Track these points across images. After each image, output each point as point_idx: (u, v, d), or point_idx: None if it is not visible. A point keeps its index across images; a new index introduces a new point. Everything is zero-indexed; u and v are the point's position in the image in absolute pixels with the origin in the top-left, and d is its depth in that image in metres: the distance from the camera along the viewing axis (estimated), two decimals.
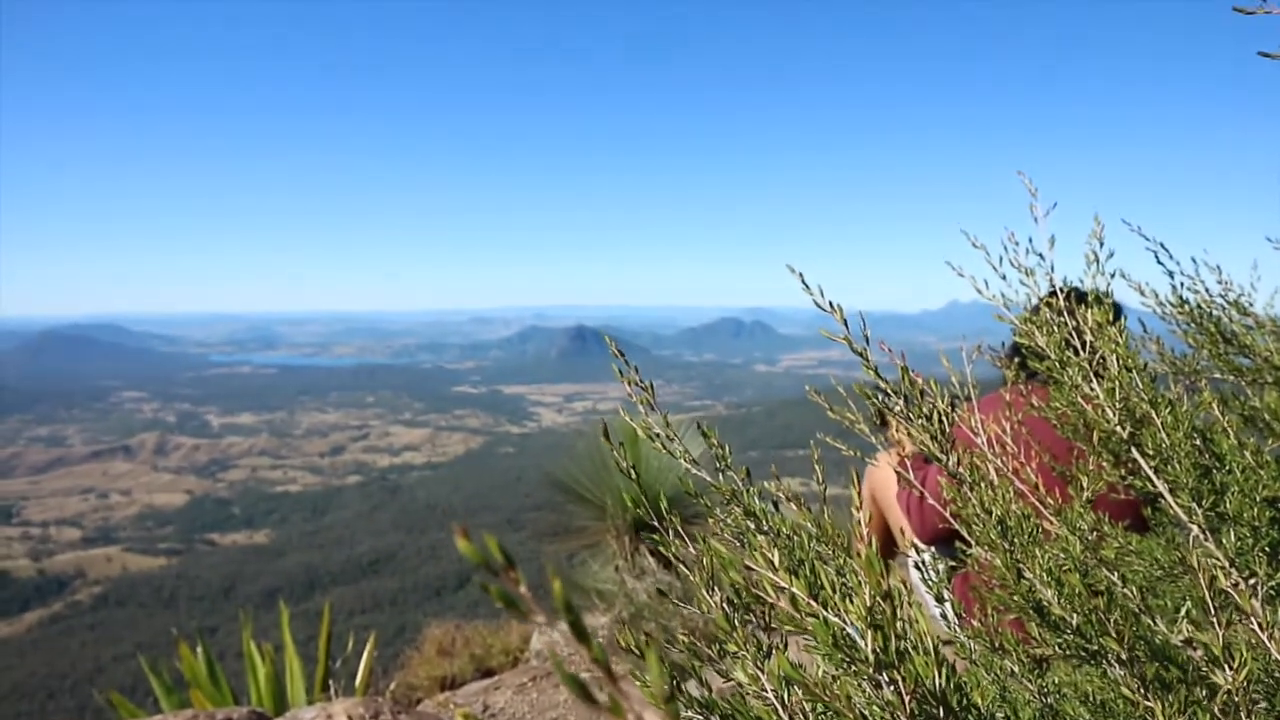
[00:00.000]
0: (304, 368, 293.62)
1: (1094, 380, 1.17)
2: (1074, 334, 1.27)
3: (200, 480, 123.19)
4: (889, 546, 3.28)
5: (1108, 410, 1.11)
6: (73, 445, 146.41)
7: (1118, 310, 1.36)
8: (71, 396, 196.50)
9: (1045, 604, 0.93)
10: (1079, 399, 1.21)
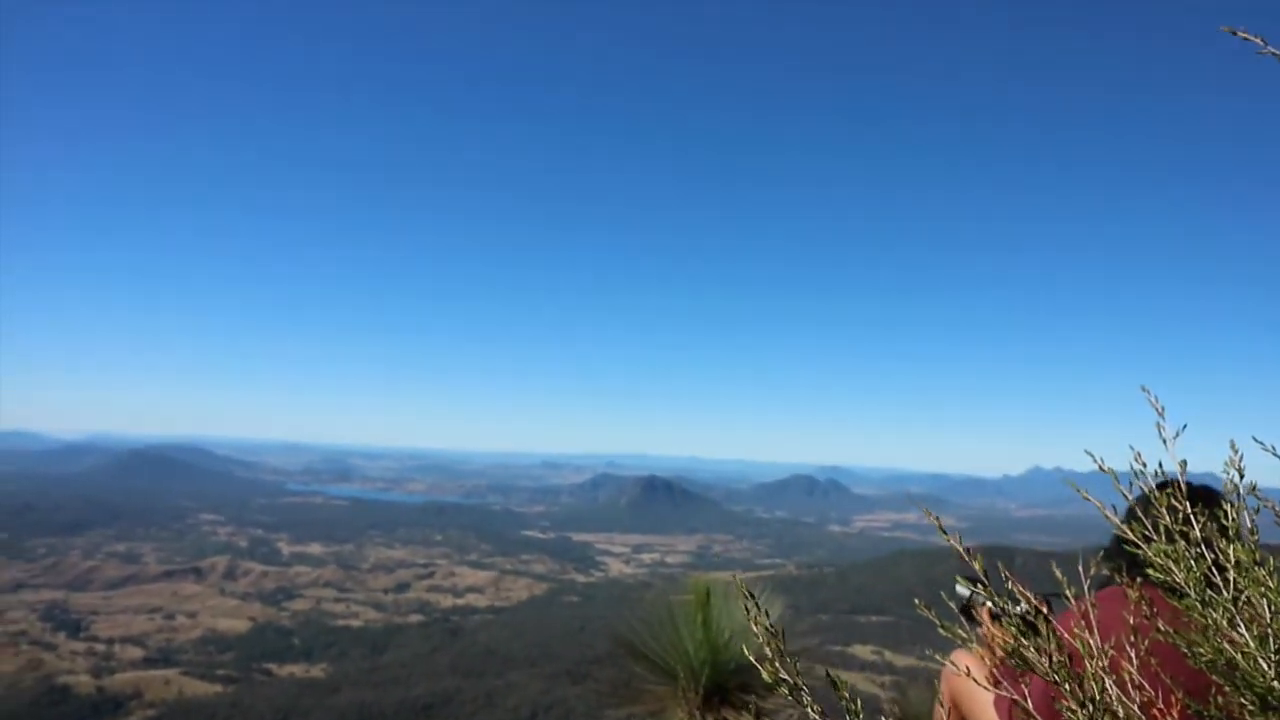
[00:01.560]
0: (376, 502, 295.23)
1: (1242, 627, 1.05)
2: (1212, 567, 1.12)
3: (265, 607, 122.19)
4: None
5: (1261, 662, 1.00)
6: (147, 563, 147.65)
7: (1214, 496, 1.24)
8: (151, 515, 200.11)
9: None
10: (1224, 644, 1.08)
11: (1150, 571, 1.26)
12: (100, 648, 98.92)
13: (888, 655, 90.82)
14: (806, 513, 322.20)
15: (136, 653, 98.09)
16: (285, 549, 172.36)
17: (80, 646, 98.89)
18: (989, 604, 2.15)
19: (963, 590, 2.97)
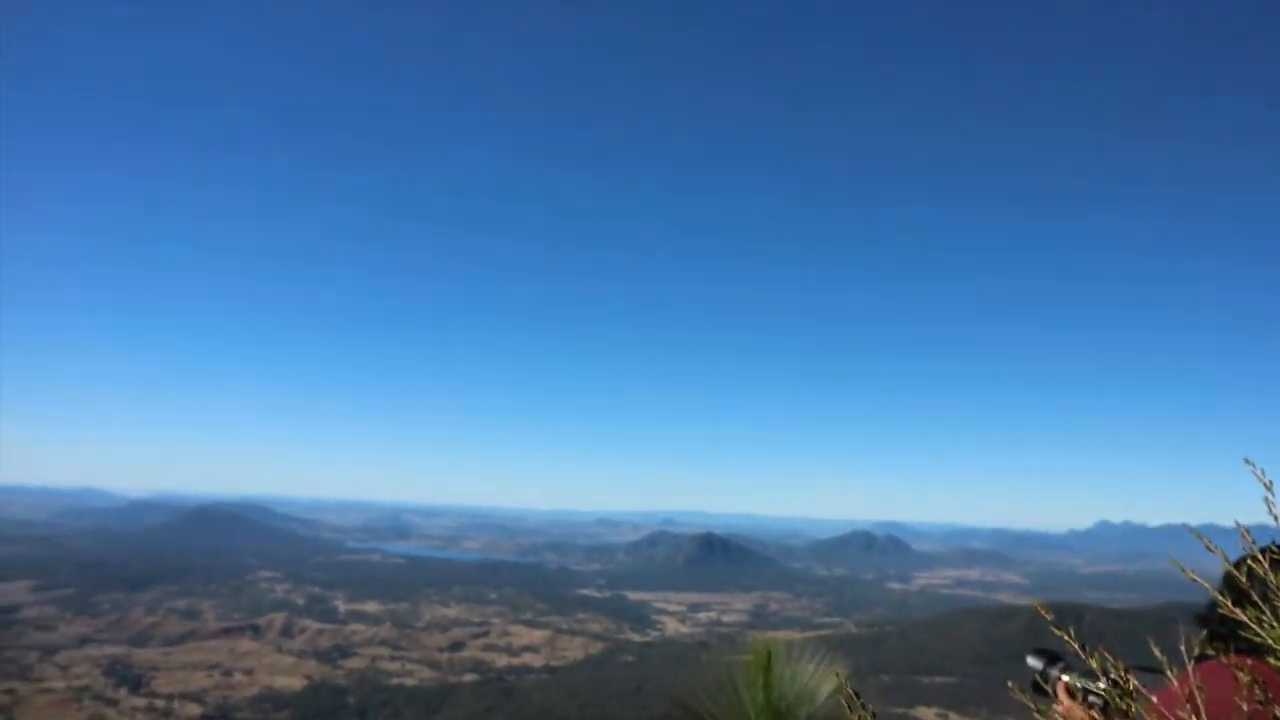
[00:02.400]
0: (432, 560, 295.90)
1: None
2: None
3: (320, 665, 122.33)
4: None
5: None
6: (206, 620, 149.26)
7: None
8: (212, 571, 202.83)
9: None
10: None
11: (1271, 659, 1.14)
12: (160, 703, 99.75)
13: (953, 717, 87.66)
14: (865, 570, 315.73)
15: (195, 709, 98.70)
16: (342, 606, 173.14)
17: (141, 702, 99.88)
18: (1065, 679, 2.08)
19: (1034, 663, 2.66)
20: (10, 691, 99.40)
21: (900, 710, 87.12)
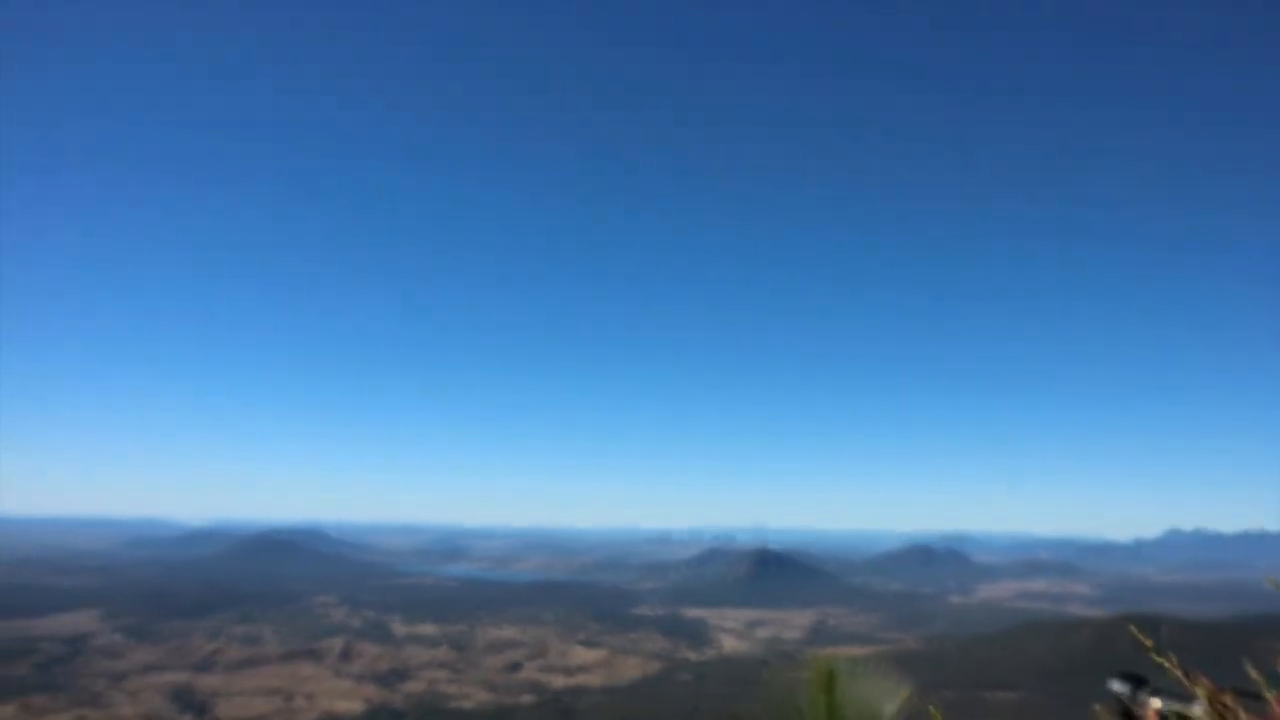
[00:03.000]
0: (486, 581, 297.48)
1: None
2: None
3: (379, 689, 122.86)
4: None
5: None
6: (267, 645, 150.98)
7: None
8: (270, 598, 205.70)
9: None
10: None
11: None
12: None
13: None
14: (924, 583, 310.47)
15: None
16: (399, 629, 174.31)
17: None
18: (1156, 703, 2.01)
19: (1120, 688, 2.57)
20: (81, 718, 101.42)
21: None
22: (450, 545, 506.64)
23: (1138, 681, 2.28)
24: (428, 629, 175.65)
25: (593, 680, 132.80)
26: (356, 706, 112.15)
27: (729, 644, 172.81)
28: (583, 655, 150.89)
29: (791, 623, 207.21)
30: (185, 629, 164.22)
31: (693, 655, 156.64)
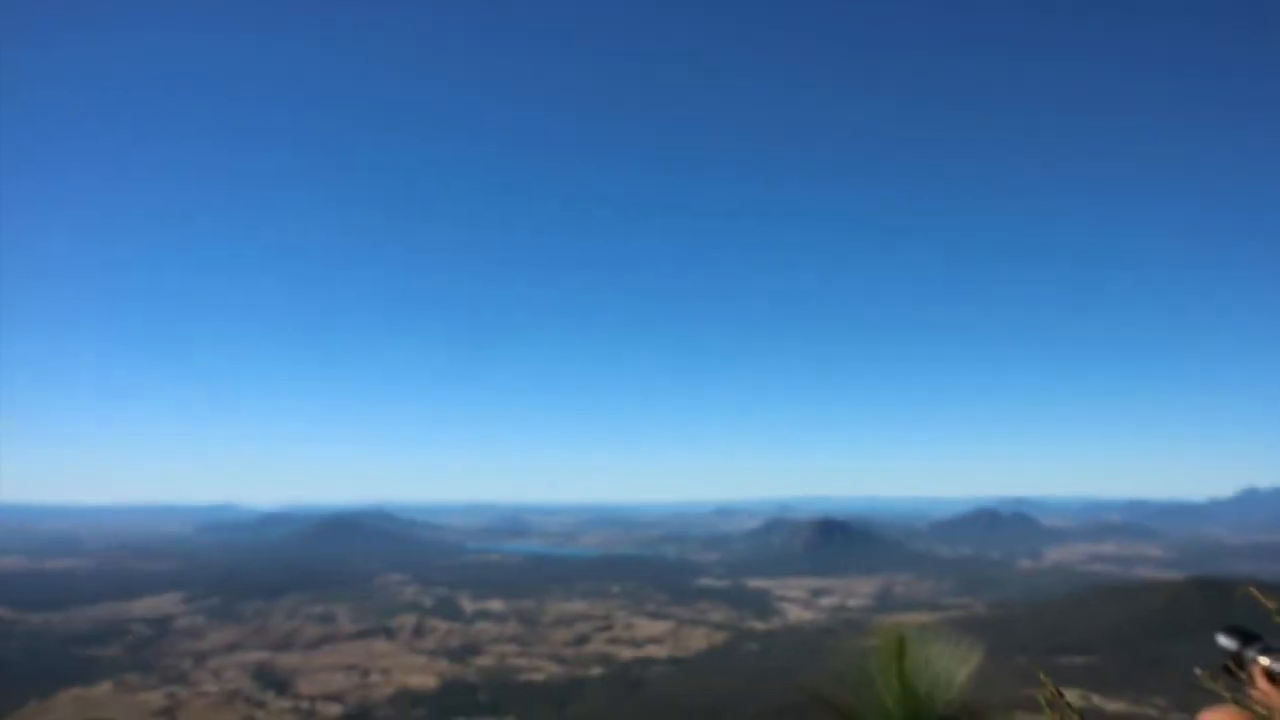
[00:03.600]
0: (552, 557, 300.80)
1: None
2: None
3: (452, 664, 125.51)
4: None
5: None
6: (341, 624, 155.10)
7: None
8: (343, 577, 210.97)
9: None
10: None
11: None
12: (304, 704, 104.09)
13: (1095, 700, 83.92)
14: (991, 548, 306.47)
15: (336, 709, 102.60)
16: (468, 606, 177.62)
17: (286, 704, 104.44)
18: (1264, 661, 1.94)
19: (1227, 643, 2.53)
20: (171, 695, 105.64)
21: (1038, 692, 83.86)
22: (514, 522, 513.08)
23: (1246, 637, 2.20)
24: (496, 604, 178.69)
25: (660, 652, 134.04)
26: (430, 681, 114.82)
27: (794, 613, 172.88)
28: (649, 627, 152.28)
29: (856, 591, 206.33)
30: (263, 609, 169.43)
31: (758, 625, 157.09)
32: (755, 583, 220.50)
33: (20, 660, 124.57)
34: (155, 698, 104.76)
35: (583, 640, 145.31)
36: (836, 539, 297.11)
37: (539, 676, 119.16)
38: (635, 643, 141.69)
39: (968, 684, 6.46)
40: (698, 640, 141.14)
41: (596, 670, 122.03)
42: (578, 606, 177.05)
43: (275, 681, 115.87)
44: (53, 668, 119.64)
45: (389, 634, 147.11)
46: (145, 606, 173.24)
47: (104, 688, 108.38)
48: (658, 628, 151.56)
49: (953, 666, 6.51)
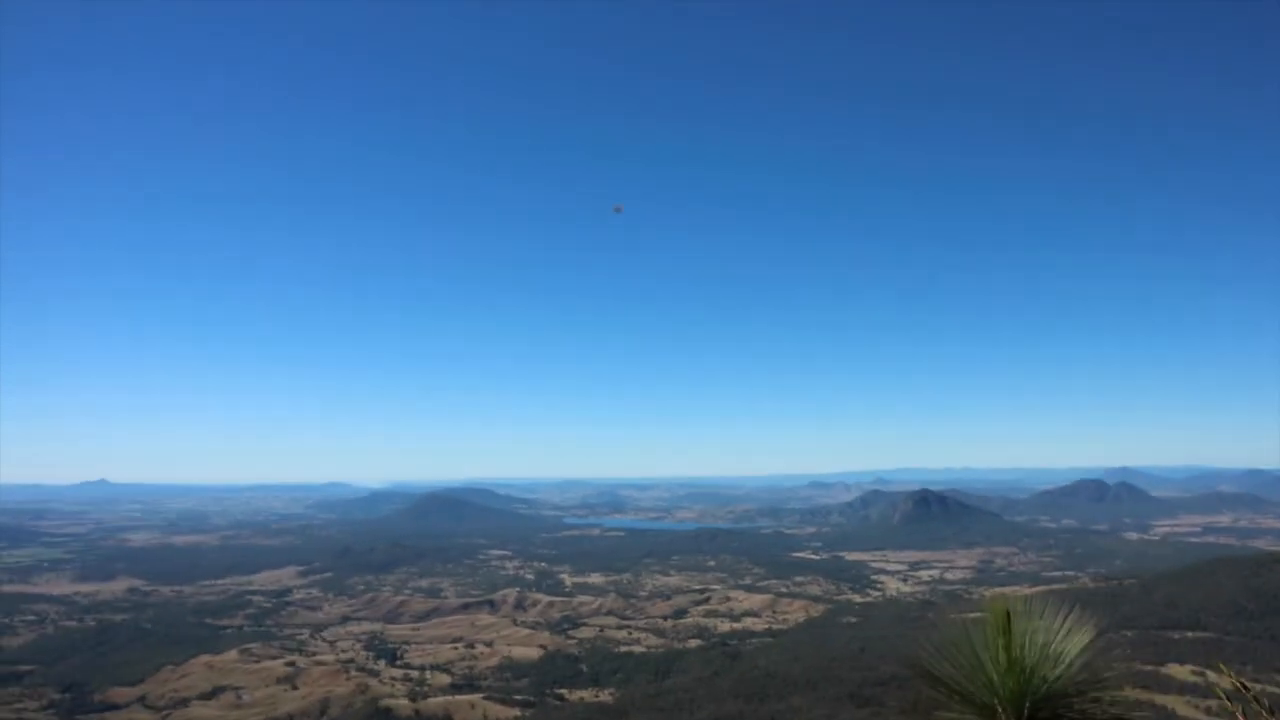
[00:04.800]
0: (649, 531, 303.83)
1: None
2: None
3: (553, 636, 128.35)
4: None
5: None
6: (447, 597, 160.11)
7: None
8: (448, 552, 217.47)
9: None
10: None
11: None
12: (414, 674, 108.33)
13: (1211, 676, 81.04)
14: (1097, 520, 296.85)
15: (444, 678, 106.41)
16: (568, 580, 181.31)
17: (397, 673, 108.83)
18: None
19: None
20: (291, 664, 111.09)
21: (1150, 668, 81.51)
22: (611, 497, 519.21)
23: None
24: (595, 578, 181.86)
25: (758, 624, 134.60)
26: (533, 653, 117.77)
27: (892, 586, 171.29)
28: (746, 600, 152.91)
29: (956, 563, 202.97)
30: (373, 582, 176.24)
31: (856, 598, 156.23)
32: (852, 555, 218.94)
33: (155, 628, 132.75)
34: (277, 666, 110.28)
35: (681, 613, 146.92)
36: (934, 511, 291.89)
37: (638, 648, 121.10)
38: (733, 615, 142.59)
39: (1079, 659, 6.55)
40: (795, 613, 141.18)
41: (694, 642, 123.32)
42: (675, 580, 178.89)
43: (386, 651, 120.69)
44: (184, 636, 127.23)
45: (492, 607, 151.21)
46: (265, 579, 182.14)
47: (230, 655, 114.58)
48: (755, 600, 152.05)
49: (1063, 641, 6.64)
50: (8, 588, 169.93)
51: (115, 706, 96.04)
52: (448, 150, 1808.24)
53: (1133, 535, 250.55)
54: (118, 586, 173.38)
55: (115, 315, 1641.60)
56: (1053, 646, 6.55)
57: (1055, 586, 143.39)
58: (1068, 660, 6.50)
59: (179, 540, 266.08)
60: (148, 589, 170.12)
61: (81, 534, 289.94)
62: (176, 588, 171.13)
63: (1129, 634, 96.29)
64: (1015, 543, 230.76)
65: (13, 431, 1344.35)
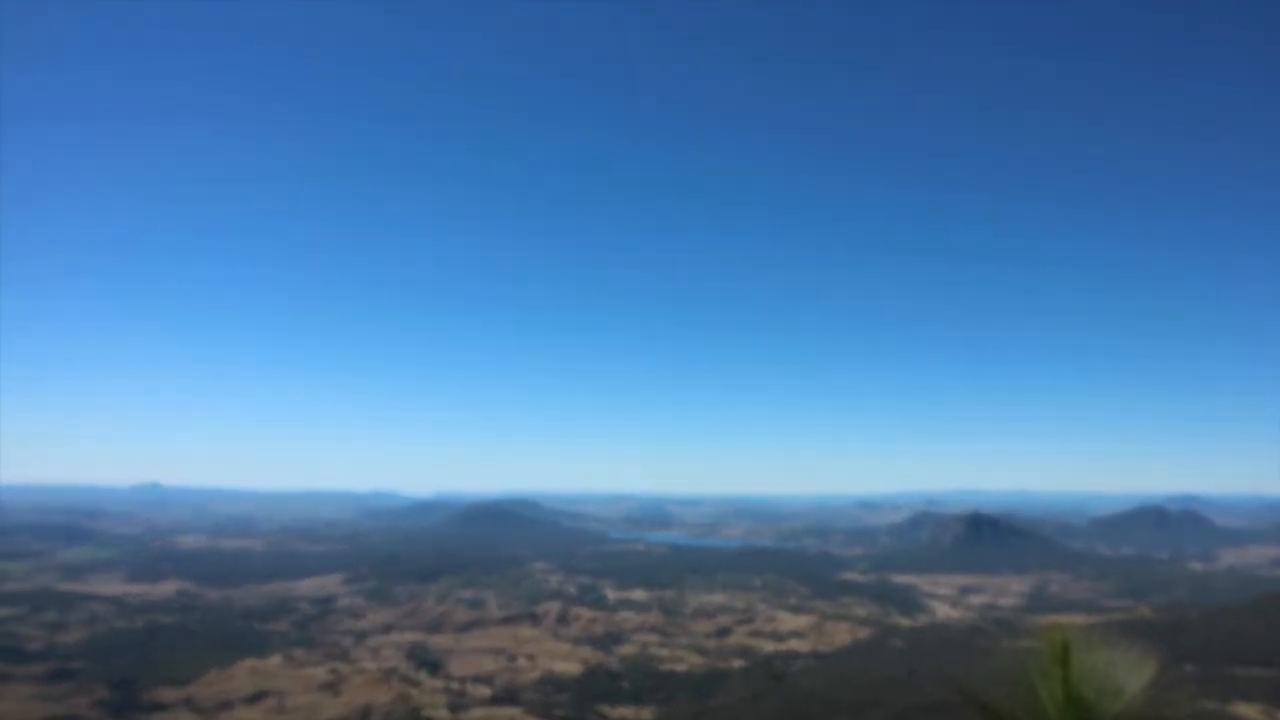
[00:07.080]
0: (694, 547, 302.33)
1: None
2: None
3: (595, 651, 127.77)
4: None
5: None
6: (489, 608, 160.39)
7: None
8: (491, 563, 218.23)
9: None
10: None
11: None
12: (455, 685, 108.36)
13: (1278, 716, 77.69)
14: (1157, 548, 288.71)
15: (485, 691, 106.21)
16: (611, 594, 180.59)
17: (439, 684, 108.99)
18: None
19: None
20: (334, 671, 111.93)
21: (1213, 705, 78.27)
22: (657, 513, 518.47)
23: None
24: (638, 594, 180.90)
25: (802, 645, 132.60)
26: (575, 668, 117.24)
27: (941, 610, 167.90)
28: (792, 621, 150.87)
29: (1008, 589, 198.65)
30: (417, 592, 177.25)
31: (904, 621, 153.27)
32: (901, 578, 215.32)
33: (201, 631, 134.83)
34: (319, 672, 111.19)
35: (724, 632, 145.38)
36: (986, 534, 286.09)
37: (681, 667, 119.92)
38: (777, 636, 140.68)
39: (1142, 695, 5.94)
40: (841, 635, 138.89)
41: (738, 662, 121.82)
42: (719, 598, 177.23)
43: (428, 661, 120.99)
44: (230, 639, 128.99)
45: (535, 620, 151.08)
46: (310, 586, 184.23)
47: (274, 660, 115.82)
48: (800, 621, 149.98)
49: (1124, 675, 6.03)
50: (63, 586, 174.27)
51: (162, 706, 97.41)
52: (516, 156, 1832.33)
53: (1196, 565, 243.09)
54: (167, 588, 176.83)
55: (175, 323, 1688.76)
56: (1115, 680, 5.87)
57: (1112, 616, 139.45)
58: (1129, 695, 5.83)
59: (227, 544, 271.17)
60: (195, 591, 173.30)
61: (133, 535, 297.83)
62: (224, 591, 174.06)
63: (1191, 668, 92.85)
64: (1071, 570, 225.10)
65: (71, 434, 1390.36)
